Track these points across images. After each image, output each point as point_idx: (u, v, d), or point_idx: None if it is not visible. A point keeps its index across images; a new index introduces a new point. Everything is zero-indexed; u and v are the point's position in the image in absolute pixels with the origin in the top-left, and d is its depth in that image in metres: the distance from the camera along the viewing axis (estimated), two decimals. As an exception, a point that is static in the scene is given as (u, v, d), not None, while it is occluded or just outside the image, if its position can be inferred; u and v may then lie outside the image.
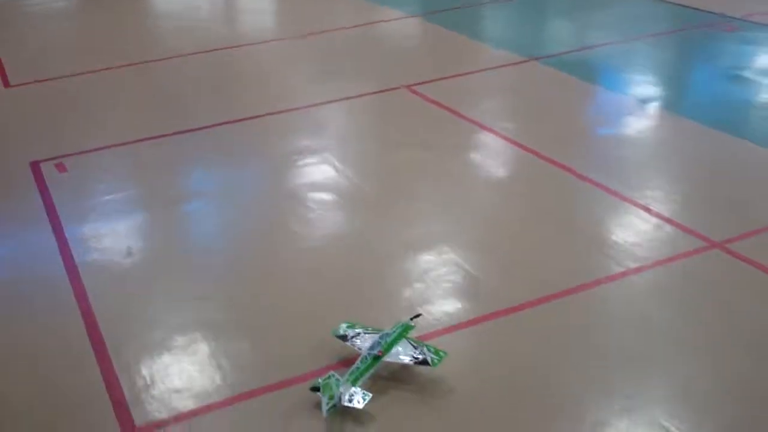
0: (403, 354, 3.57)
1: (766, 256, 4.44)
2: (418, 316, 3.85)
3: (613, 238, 4.72)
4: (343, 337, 3.72)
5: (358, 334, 3.70)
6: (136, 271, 4.60)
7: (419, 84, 7.11)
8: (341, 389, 3.31)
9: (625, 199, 5.11)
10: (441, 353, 3.57)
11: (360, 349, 3.59)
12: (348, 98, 6.95)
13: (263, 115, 6.67)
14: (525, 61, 7.65)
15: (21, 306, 4.31)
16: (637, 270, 4.38)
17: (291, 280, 4.45)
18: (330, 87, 7.20)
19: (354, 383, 3.39)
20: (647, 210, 4.97)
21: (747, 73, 7.18)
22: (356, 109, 6.87)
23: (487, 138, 6.17)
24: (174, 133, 6.36)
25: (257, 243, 4.86)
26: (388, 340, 3.60)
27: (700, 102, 6.80)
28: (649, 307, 4.11)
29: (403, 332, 3.68)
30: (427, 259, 4.56)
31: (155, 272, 4.58)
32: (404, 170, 5.67)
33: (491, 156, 5.99)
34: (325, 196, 5.36)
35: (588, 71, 7.37)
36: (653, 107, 6.63)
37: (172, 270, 4.60)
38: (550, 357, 3.74)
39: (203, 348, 3.87)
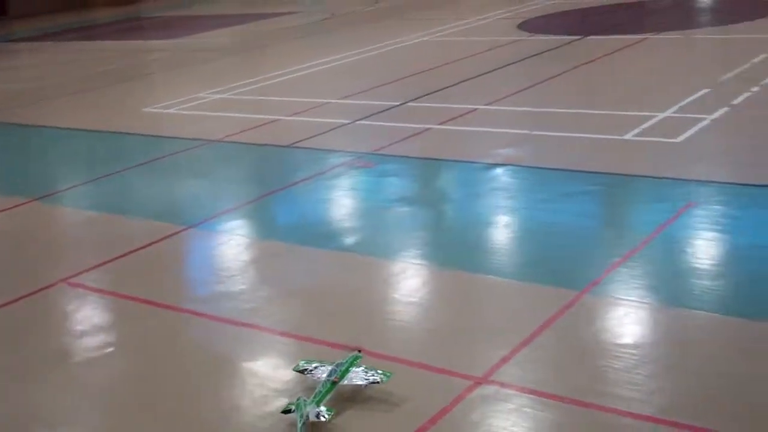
0: (357, 378, 4.39)
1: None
2: (360, 351, 4.61)
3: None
4: (303, 371, 4.51)
5: (316, 367, 4.50)
6: None
7: None
8: (308, 409, 4.11)
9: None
10: (388, 373, 4.41)
11: (319, 378, 4.39)
12: None
13: None
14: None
15: None
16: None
17: None
18: None
19: (318, 404, 4.20)
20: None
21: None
22: None
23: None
24: None
25: None
26: (342, 369, 4.40)
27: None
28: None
29: (353, 361, 4.49)
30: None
31: None
32: None
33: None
34: None
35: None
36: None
37: None
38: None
39: None
